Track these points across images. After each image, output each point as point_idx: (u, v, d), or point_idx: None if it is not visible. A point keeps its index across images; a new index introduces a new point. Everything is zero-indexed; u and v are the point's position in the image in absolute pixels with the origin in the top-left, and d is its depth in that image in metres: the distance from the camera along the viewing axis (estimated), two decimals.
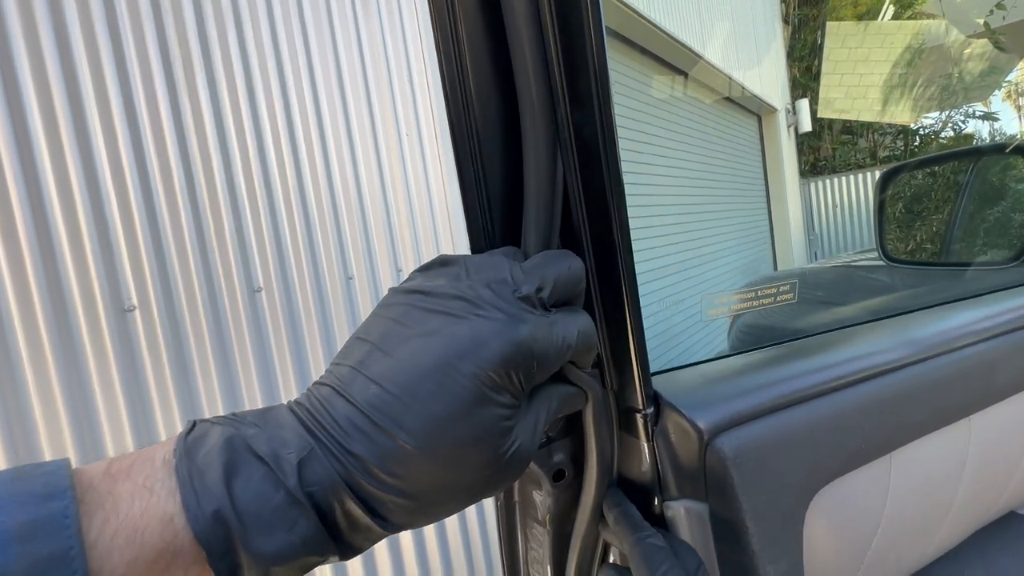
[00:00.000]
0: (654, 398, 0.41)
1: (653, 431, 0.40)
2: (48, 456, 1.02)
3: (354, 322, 1.54)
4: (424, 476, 0.25)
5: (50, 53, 1.06)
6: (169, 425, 1.17)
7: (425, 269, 0.31)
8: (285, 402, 0.28)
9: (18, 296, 1.00)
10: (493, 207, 0.38)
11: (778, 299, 0.49)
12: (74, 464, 0.22)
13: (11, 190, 1.00)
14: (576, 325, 0.31)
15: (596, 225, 0.37)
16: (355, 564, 1.51)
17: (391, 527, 0.26)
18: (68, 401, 1.03)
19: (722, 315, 0.45)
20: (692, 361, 0.50)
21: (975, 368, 0.53)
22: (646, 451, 0.41)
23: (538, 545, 0.54)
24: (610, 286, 0.38)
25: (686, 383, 0.44)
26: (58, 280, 1.03)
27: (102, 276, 1.09)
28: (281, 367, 1.37)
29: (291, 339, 1.39)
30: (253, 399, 1.32)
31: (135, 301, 1.13)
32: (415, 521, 0.26)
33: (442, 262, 0.31)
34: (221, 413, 1.28)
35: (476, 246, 0.38)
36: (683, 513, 0.40)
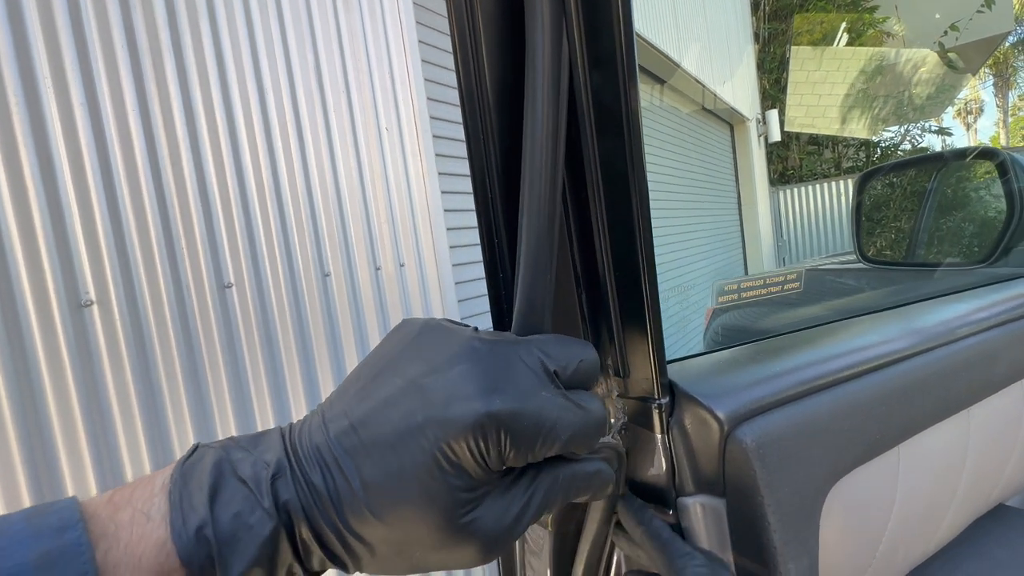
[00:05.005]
0: (669, 387, 0.39)
1: (668, 423, 0.38)
2: None
3: (330, 320, 1.48)
4: (369, 527, 0.25)
5: (3, 32, 0.98)
6: (129, 430, 1.09)
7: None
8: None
9: None
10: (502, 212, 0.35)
11: (785, 288, 0.48)
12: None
13: None
14: (576, 422, 0.28)
15: (613, 202, 0.35)
16: None
17: (340, 564, 0.26)
18: (16, 404, 0.95)
19: (732, 303, 0.44)
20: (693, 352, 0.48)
21: (977, 358, 0.53)
22: (660, 444, 0.39)
23: (537, 548, 0.51)
24: (626, 267, 0.36)
25: (699, 372, 0.42)
26: (5, 269, 0.95)
27: (56, 266, 1.00)
28: (252, 368, 1.31)
29: (263, 338, 1.32)
30: (222, 401, 1.25)
31: (93, 295, 1.05)
32: (365, 567, 0.26)
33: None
34: (187, 416, 1.21)
35: (489, 253, 0.36)
36: (699, 510, 0.38)
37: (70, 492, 1.01)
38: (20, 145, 0.99)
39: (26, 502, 0.95)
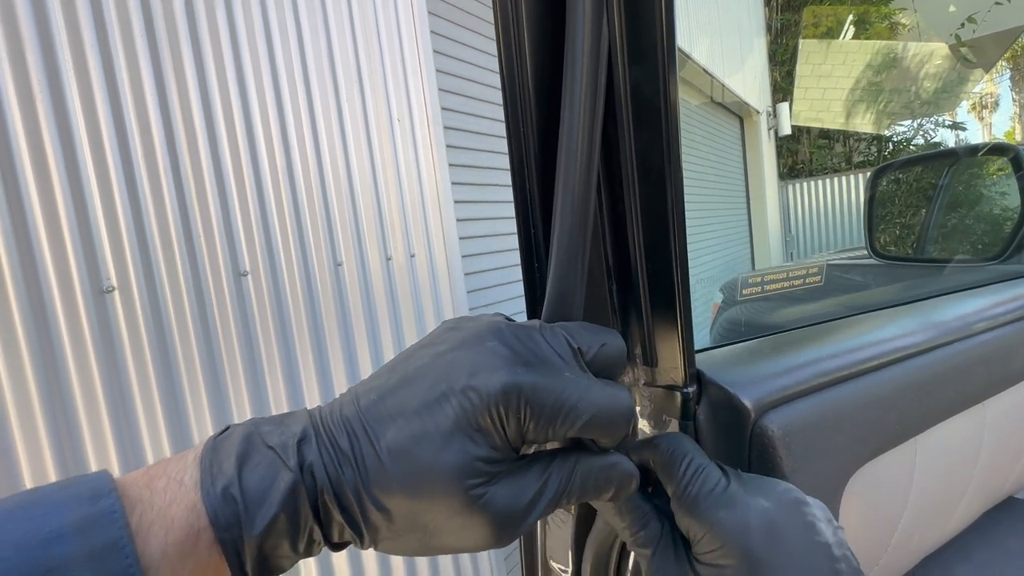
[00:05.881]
0: (696, 376, 0.40)
1: (696, 411, 0.39)
2: (20, 450, 0.96)
3: (343, 309, 1.50)
4: (390, 493, 0.25)
5: (25, 19, 0.99)
6: (150, 413, 1.12)
7: None
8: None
9: None
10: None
11: (807, 281, 0.48)
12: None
13: None
14: (600, 401, 0.27)
15: (648, 195, 0.36)
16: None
17: (357, 533, 0.26)
18: (42, 386, 0.97)
19: (757, 295, 0.44)
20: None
21: (993, 353, 0.53)
22: (687, 432, 0.40)
23: (558, 528, 0.53)
24: (659, 258, 0.37)
25: (723, 361, 0.43)
26: (32, 257, 0.97)
27: (79, 254, 1.02)
28: (267, 354, 1.33)
29: (278, 325, 1.34)
30: (238, 386, 1.27)
31: (114, 282, 1.07)
32: (381, 540, 0.27)
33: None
34: (204, 399, 1.23)
35: (525, 245, 0.36)
36: None
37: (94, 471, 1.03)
38: (44, 133, 1.01)
39: (53, 480, 0.98)
